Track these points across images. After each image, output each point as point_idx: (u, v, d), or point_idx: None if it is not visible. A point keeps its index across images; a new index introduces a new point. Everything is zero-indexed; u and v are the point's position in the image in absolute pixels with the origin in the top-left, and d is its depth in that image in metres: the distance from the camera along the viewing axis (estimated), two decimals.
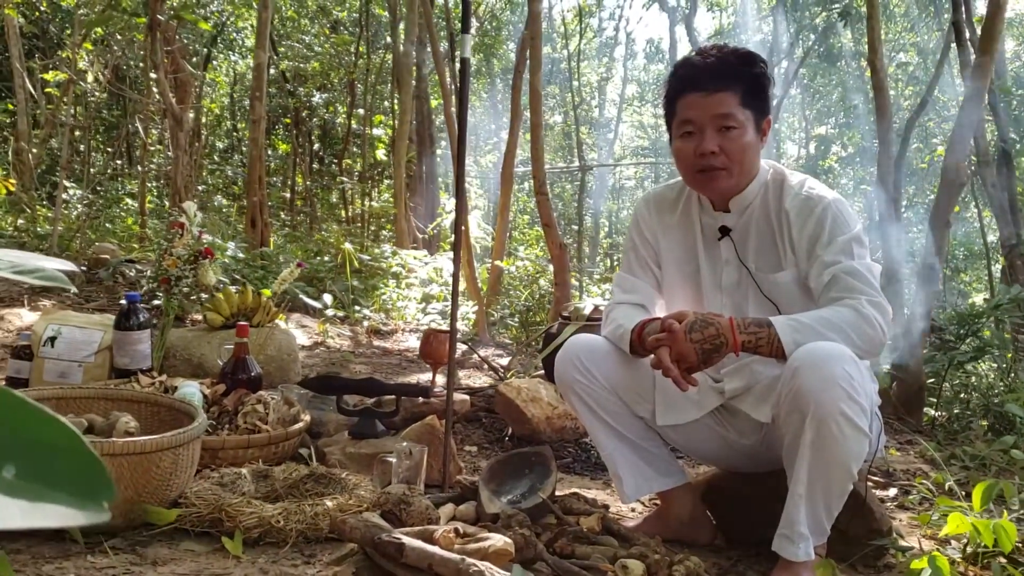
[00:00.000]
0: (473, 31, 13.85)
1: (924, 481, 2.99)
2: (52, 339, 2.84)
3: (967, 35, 4.93)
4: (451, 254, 4.53)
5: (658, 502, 2.41)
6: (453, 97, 6.89)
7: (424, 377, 3.98)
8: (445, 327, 3.97)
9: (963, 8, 4.95)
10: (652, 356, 1.98)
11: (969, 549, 2.16)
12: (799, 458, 1.86)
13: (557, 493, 2.31)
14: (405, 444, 2.30)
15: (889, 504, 2.88)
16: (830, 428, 1.80)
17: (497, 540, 1.80)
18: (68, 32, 9.64)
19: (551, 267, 5.87)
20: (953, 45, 5.38)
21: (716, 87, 2.01)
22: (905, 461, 3.48)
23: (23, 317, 4.01)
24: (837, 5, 8.18)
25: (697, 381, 1.95)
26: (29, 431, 0.43)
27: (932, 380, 4.57)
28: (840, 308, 1.92)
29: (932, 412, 4.45)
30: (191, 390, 2.53)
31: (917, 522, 2.58)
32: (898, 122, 9.14)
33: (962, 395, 4.83)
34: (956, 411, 4.50)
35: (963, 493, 2.65)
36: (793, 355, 1.86)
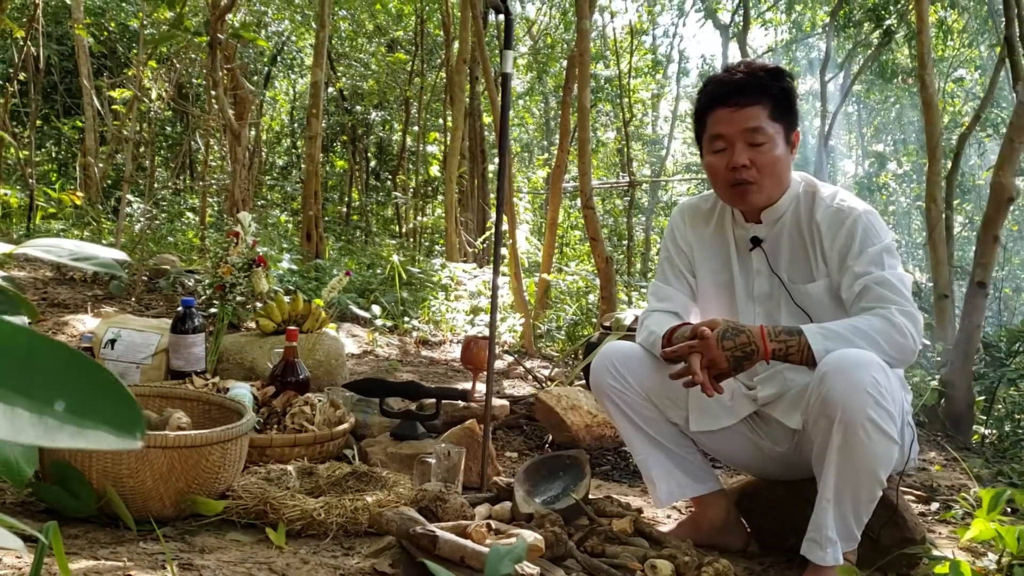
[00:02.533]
0: (526, 49, 14.00)
1: (967, 497, 2.97)
2: (112, 341, 2.98)
3: (1021, 50, 4.88)
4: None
5: (693, 508, 2.44)
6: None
7: (469, 386, 4.05)
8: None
9: (1016, 23, 4.90)
10: (677, 366, 2.02)
11: (1004, 560, 2.15)
12: (827, 463, 1.88)
13: (592, 495, 2.36)
14: (444, 446, 2.37)
15: (930, 518, 2.87)
16: (857, 433, 1.82)
17: (528, 535, 1.85)
18: (134, 51, 9.98)
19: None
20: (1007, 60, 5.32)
21: (745, 102, 2.06)
22: (950, 477, 3.45)
23: (86, 323, 4.18)
24: (889, 21, 8.12)
25: (723, 389, 1.99)
26: (78, 375, 0.52)
27: (983, 397, 4.52)
28: (871, 317, 1.95)
29: (982, 430, 4.40)
30: (242, 391, 2.63)
31: (956, 535, 2.57)
32: (955, 138, 9.03)
33: (1014, 413, 4.76)
34: (1007, 429, 4.44)
35: (1008, 510, 2.64)
36: (822, 361, 1.89)
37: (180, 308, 3.04)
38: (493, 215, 9.63)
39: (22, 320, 0.85)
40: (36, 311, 0.97)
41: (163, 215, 9.31)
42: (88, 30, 9.27)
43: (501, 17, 2.56)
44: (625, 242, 12.03)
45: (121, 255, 0.96)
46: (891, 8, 8.18)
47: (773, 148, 2.07)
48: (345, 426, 2.62)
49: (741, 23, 10.31)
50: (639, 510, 2.36)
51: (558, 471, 2.40)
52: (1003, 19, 5.28)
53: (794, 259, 2.17)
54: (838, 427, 1.85)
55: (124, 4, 10.68)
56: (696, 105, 2.22)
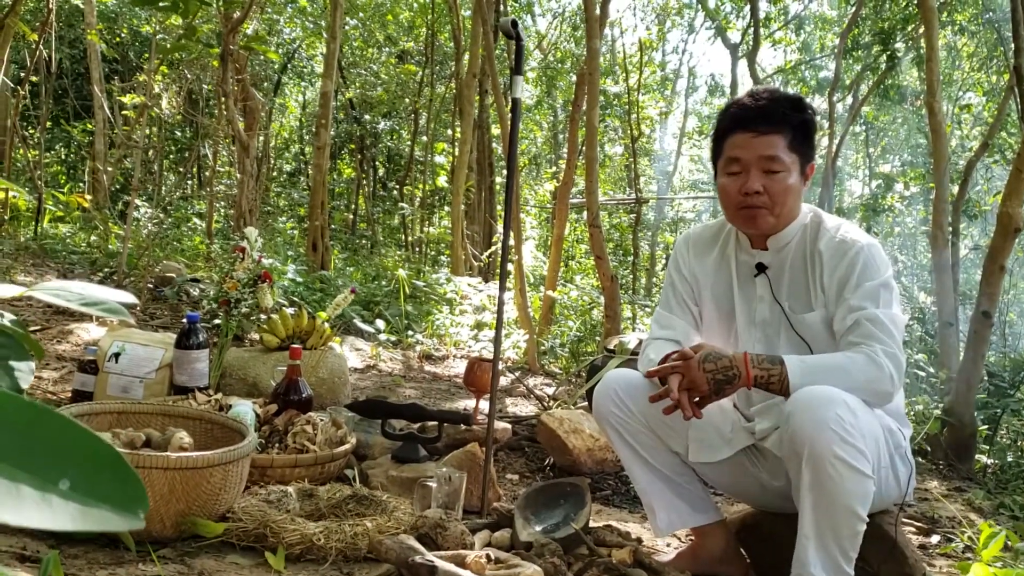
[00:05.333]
0: (536, 62, 14.02)
1: (966, 530, 2.96)
2: (116, 355, 2.98)
3: None
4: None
5: (693, 537, 2.44)
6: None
7: (471, 404, 4.05)
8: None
9: None
10: (656, 391, 2.03)
11: None
12: (802, 500, 1.90)
13: (592, 524, 2.36)
14: (445, 470, 2.37)
15: (931, 551, 2.86)
16: (826, 470, 1.84)
17: (528, 568, 1.85)
18: (146, 56, 10.02)
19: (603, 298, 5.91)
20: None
21: (765, 129, 2.07)
22: (951, 508, 3.44)
23: (90, 331, 4.19)
24: (898, 44, 8.13)
25: (702, 414, 1.99)
26: (82, 451, 0.52)
27: (985, 427, 4.50)
28: (854, 354, 1.97)
29: (984, 459, 4.39)
30: (244, 409, 2.63)
31: (957, 570, 2.56)
32: (962, 162, 9.02)
33: (1017, 442, 4.75)
34: (1009, 459, 4.42)
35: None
36: (789, 399, 1.91)
37: (185, 322, 3.05)
38: (499, 229, 9.64)
39: (29, 366, 0.86)
40: (42, 350, 0.98)
41: (170, 220, 9.34)
42: (100, 35, 9.31)
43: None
44: (631, 258, 12.04)
45: (129, 297, 0.96)
46: (898, 33, 8.18)
47: (787, 177, 2.08)
48: (347, 447, 2.62)
49: (752, 42, 10.32)
50: (639, 539, 2.36)
51: (559, 499, 2.40)
52: (1011, 46, 5.29)
53: (794, 288, 2.18)
54: (807, 464, 1.86)
55: (137, 10, 10.73)
56: (716, 127, 2.23)
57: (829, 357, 1.98)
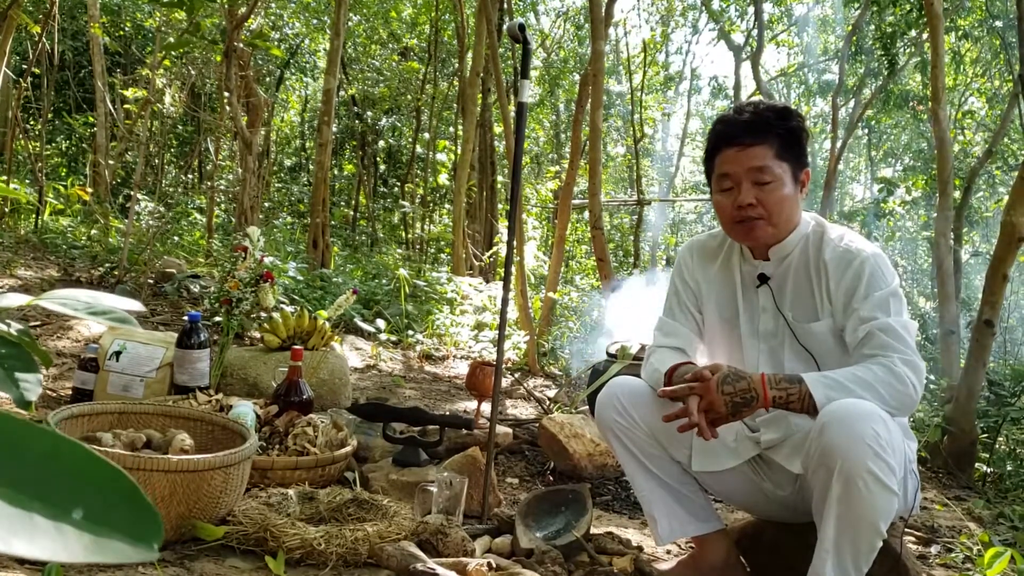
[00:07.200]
0: (539, 62, 14.00)
1: (966, 541, 2.96)
2: (117, 353, 2.97)
3: None
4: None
5: (693, 546, 2.43)
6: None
7: (471, 406, 4.04)
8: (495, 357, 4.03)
9: None
10: (674, 408, 2.02)
11: None
12: (826, 513, 1.88)
13: (593, 531, 2.35)
14: (446, 474, 2.37)
15: (931, 561, 2.85)
16: (857, 485, 1.82)
17: None
18: (149, 50, 10.00)
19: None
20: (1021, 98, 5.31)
21: (751, 141, 2.07)
22: (951, 518, 3.43)
23: (91, 328, 4.17)
24: (900, 46, 8.12)
25: (718, 434, 1.98)
26: (97, 480, 0.51)
27: (986, 435, 4.50)
28: (873, 365, 1.94)
29: (984, 468, 4.38)
30: (245, 409, 2.63)
31: None
32: (964, 168, 9.01)
33: (1017, 451, 4.74)
34: (1009, 468, 4.42)
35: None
36: (822, 411, 1.88)
37: (186, 320, 3.04)
38: (500, 228, 9.63)
39: (37, 378, 0.85)
40: (50, 358, 0.97)
41: (171, 214, 9.32)
42: (103, 28, 9.28)
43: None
44: (631, 259, 12.03)
45: (136, 305, 0.95)
46: (901, 38, 8.17)
47: (779, 187, 2.08)
48: (347, 449, 2.62)
49: (756, 43, 10.30)
50: (639, 547, 2.35)
51: (560, 505, 2.39)
52: (1014, 52, 5.28)
53: (798, 297, 2.17)
54: (838, 478, 1.84)
55: (140, 3, 10.71)
56: (705, 145, 2.24)
57: (848, 371, 1.95)
